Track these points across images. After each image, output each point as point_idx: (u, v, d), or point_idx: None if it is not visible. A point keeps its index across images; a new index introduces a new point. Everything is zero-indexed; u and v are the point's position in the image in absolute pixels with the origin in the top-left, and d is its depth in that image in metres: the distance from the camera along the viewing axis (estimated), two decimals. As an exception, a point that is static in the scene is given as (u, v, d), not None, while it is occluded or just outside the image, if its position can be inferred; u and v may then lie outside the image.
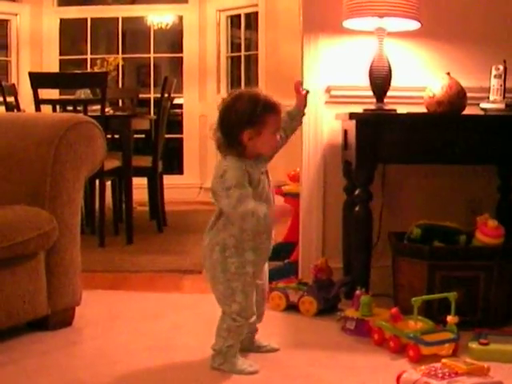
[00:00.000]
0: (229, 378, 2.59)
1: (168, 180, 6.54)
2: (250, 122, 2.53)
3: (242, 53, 8.11)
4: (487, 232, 3.27)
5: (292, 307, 3.45)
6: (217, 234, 2.60)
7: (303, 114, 2.86)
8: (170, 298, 3.78)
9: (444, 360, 2.46)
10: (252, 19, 7.96)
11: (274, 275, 3.57)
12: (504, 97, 3.54)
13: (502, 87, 3.55)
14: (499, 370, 2.55)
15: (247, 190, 2.52)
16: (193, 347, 2.92)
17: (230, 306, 2.61)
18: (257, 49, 7.75)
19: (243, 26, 8.08)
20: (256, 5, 7.70)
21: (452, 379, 2.32)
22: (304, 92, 2.84)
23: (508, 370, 2.62)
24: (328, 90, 3.84)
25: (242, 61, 8.09)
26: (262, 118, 2.55)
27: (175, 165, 8.38)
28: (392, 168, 3.80)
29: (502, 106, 3.51)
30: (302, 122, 2.93)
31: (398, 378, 2.43)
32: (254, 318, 2.70)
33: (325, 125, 3.86)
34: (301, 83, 2.88)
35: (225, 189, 2.51)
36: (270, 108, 2.58)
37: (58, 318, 3.14)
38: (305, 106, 2.84)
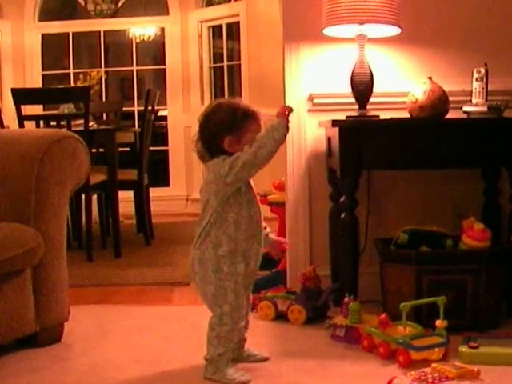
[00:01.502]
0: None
1: (154, 192, 6.53)
2: (231, 128, 2.59)
3: (225, 63, 8.12)
4: (473, 235, 3.28)
5: (281, 316, 3.44)
6: (211, 233, 2.61)
7: (287, 130, 2.84)
8: (159, 310, 3.77)
9: (434, 365, 2.46)
10: (234, 29, 7.97)
11: (262, 284, 3.58)
12: (486, 99, 3.55)
13: (484, 90, 3.56)
14: (489, 373, 2.55)
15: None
16: (183, 359, 2.91)
17: (221, 307, 2.62)
18: (239, 59, 7.77)
19: (225, 37, 8.09)
20: (237, 15, 7.72)
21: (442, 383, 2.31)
22: (287, 110, 2.79)
23: (498, 373, 2.63)
24: (311, 98, 3.84)
25: (224, 71, 8.10)
26: (242, 125, 2.60)
27: (161, 177, 8.37)
28: (377, 174, 3.82)
29: (484, 108, 3.52)
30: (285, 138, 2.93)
31: (389, 383, 2.42)
32: (242, 323, 2.73)
33: (308, 133, 3.86)
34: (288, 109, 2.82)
35: (234, 158, 2.56)
36: (249, 114, 2.63)
37: (47, 335, 3.12)
38: (287, 122, 2.80)
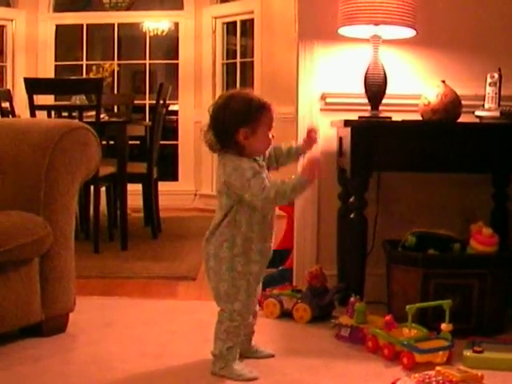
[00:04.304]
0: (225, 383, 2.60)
1: (163, 186, 6.54)
2: (245, 120, 2.58)
3: (238, 59, 8.11)
4: (482, 240, 3.28)
5: (286, 314, 3.44)
6: (225, 231, 2.62)
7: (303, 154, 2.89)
8: (164, 304, 3.77)
9: (438, 368, 2.46)
10: (248, 26, 7.97)
11: (268, 282, 3.57)
12: (499, 105, 3.54)
13: (497, 95, 3.55)
14: (493, 378, 2.56)
15: (263, 176, 2.57)
16: (188, 353, 2.91)
17: (233, 304, 2.63)
18: (252, 56, 7.76)
19: (239, 33, 8.09)
20: (252, 12, 7.71)
21: (446, 387, 2.32)
22: (315, 137, 2.86)
23: (501, 378, 2.63)
24: (323, 98, 3.84)
25: (237, 67, 8.10)
26: (257, 116, 2.59)
27: (170, 171, 8.37)
28: (387, 176, 3.81)
29: (496, 113, 3.51)
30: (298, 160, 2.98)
31: (392, 385, 2.42)
32: (250, 319, 2.74)
33: (320, 132, 3.84)
34: (315, 131, 2.86)
35: (245, 180, 2.54)
36: (264, 106, 2.62)
37: (52, 324, 3.13)
38: (314, 143, 2.88)
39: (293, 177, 2.61)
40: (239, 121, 2.58)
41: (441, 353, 2.79)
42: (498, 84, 3.56)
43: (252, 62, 7.76)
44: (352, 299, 3.19)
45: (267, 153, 2.73)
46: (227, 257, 2.62)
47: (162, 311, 3.60)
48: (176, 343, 3.07)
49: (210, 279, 2.69)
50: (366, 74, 3.56)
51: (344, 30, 3.60)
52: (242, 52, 8.13)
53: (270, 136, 2.65)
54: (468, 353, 2.81)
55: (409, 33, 3.57)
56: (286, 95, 6.34)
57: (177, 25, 8.50)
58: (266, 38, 7.49)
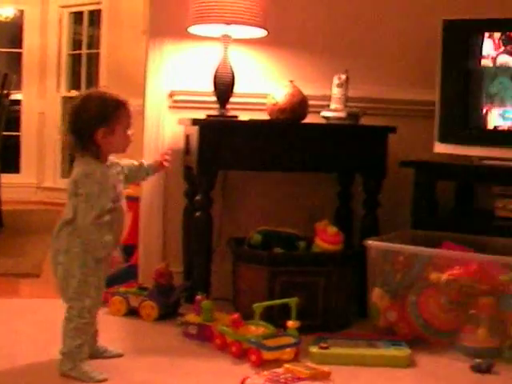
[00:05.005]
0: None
1: (4, 179, 6.35)
2: (103, 120, 2.57)
3: (84, 50, 7.98)
4: (326, 238, 3.36)
5: (133, 312, 3.42)
6: (74, 228, 2.57)
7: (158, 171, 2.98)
8: (6, 303, 3.65)
9: (286, 365, 2.51)
10: (95, 17, 7.84)
11: (114, 279, 3.54)
12: (345, 106, 3.64)
13: (344, 96, 3.65)
14: (339, 373, 2.62)
15: (104, 206, 2.56)
16: (34, 354, 2.83)
17: (83, 301, 2.59)
18: (99, 47, 7.64)
19: (86, 24, 7.95)
20: (100, 2, 7.60)
21: (295, 384, 2.36)
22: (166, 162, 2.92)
23: (348, 373, 2.71)
24: (171, 95, 3.83)
25: (83, 58, 7.96)
26: (114, 115, 2.59)
27: (12, 163, 8.12)
28: (233, 174, 3.84)
29: (343, 114, 3.61)
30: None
31: (242, 383, 2.44)
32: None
33: (167, 129, 3.85)
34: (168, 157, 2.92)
35: (86, 194, 2.53)
36: (121, 105, 2.62)
37: None
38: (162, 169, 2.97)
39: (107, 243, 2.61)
40: (97, 121, 2.56)
41: (288, 350, 2.83)
42: (344, 85, 3.65)
43: (99, 53, 7.64)
44: (198, 297, 3.20)
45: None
46: (79, 253, 2.57)
47: (5, 311, 3.48)
48: (21, 344, 2.98)
49: (57, 276, 2.63)
50: (215, 72, 3.57)
51: (195, 29, 3.59)
52: (89, 43, 8.00)
53: (130, 133, 2.65)
54: (314, 349, 2.87)
55: (259, 33, 3.60)
56: (133, 88, 6.28)
57: (22, 12, 8.26)
58: (114, 29, 7.40)
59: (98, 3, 7.65)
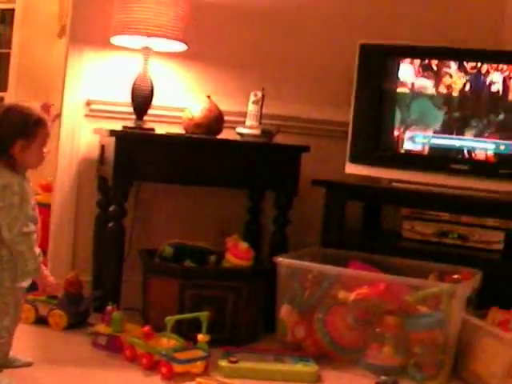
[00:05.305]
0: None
1: None
2: (23, 133, 2.56)
3: (-7, 49, 7.81)
4: (237, 254, 3.40)
5: (41, 320, 3.39)
6: (4, 241, 2.55)
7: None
8: None
9: (198, 379, 2.54)
10: (7, 16, 7.67)
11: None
12: (260, 123, 3.70)
13: (259, 113, 3.71)
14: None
15: (27, 215, 2.55)
16: None
17: (2, 321, 2.58)
18: (10, 47, 7.49)
19: (-3, 22, 7.80)
20: (13, 1, 7.45)
21: (204, 398, 2.39)
22: (49, 105, 2.87)
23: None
24: (88, 104, 3.82)
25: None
26: (33, 131, 2.59)
27: None
28: (146, 186, 3.85)
29: (257, 131, 3.66)
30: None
31: (153, 397, 2.47)
32: None
33: (82, 138, 3.83)
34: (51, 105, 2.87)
35: (8, 204, 2.51)
36: (41, 121, 2.62)
37: None
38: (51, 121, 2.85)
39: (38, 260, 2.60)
40: (16, 133, 2.56)
41: (199, 363, 2.87)
42: (260, 102, 3.71)
43: (9, 53, 7.49)
44: (109, 308, 3.20)
45: None
46: None
47: None
48: None
49: None
50: (134, 84, 3.58)
51: (116, 39, 3.60)
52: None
53: (45, 151, 2.65)
54: (223, 363, 2.92)
55: (179, 47, 3.63)
56: (44, 91, 6.24)
57: None
58: (26, 30, 7.26)
59: (10, 2, 7.49)
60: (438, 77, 3.68)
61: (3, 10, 7.68)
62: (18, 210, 2.53)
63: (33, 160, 2.62)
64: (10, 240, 2.52)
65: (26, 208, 2.55)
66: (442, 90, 3.67)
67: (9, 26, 7.57)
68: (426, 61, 3.70)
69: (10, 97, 7.23)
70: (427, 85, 3.70)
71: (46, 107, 2.79)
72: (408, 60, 3.72)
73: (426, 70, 3.70)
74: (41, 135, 2.61)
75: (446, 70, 3.67)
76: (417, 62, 3.72)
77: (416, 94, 3.73)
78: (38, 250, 2.58)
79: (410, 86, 3.73)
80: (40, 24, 7.03)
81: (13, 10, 7.45)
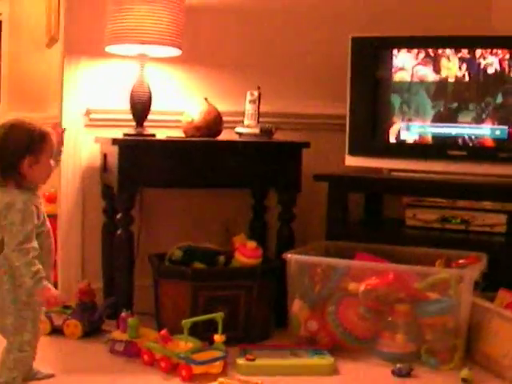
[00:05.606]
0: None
1: None
2: (30, 150, 2.58)
3: (-17, 63, 7.82)
4: (246, 253, 3.44)
5: (56, 331, 3.44)
6: (3, 264, 2.58)
7: (60, 153, 2.96)
8: None
9: (220, 379, 2.58)
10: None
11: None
12: (258, 121, 3.74)
13: (257, 112, 3.75)
14: None
15: (28, 233, 2.54)
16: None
17: (22, 336, 2.61)
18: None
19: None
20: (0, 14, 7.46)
21: (231, 397, 2.43)
22: (61, 130, 2.95)
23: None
24: (88, 113, 3.85)
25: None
26: (39, 147, 2.61)
27: None
28: (149, 191, 3.89)
29: (256, 130, 3.71)
30: (60, 160, 3.00)
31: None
32: None
33: (84, 147, 3.86)
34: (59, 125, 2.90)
35: (9, 222, 2.53)
36: (45, 135, 2.65)
37: None
38: (62, 144, 2.95)
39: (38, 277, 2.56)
40: (23, 151, 2.58)
41: (217, 363, 2.92)
42: (257, 102, 3.76)
43: (-1, 65, 7.50)
44: (123, 314, 3.24)
45: None
46: (10, 289, 2.59)
47: None
48: None
49: None
50: (132, 91, 3.62)
51: (111, 48, 3.63)
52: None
53: (52, 164, 2.69)
54: (241, 361, 2.97)
55: (174, 52, 3.67)
56: (35, 102, 6.24)
57: None
58: (15, 41, 7.26)
59: (-3, 14, 7.50)
60: (431, 65, 3.72)
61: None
62: (18, 228, 2.53)
63: (42, 174, 2.66)
64: (8, 256, 2.55)
65: (27, 226, 2.55)
66: (437, 77, 3.71)
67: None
68: (418, 50, 3.74)
69: (3, 109, 7.25)
70: (421, 73, 3.74)
71: (57, 130, 2.82)
72: (401, 50, 3.77)
73: (419, 59, 3.74)
74: (47, 149, 2.64)
75: (440, 58, 3.70)
76: (409, 51, 3.75)
77: (410, 84, 3.77)
78: (36, 267, 2.53)
79: (404, 75, 3.77)
80: (28, 34, 7.04)
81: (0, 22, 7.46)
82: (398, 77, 3.79)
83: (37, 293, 2.56)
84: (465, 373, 2.89)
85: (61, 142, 2.93)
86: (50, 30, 5.47)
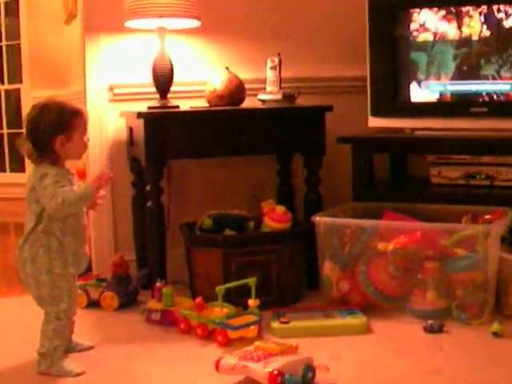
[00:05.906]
0: (56, 381, 2.63)
1: None
2: (61, 128, 2.65)
3: (4, 42, 7.88)
4: (276, 218, 3.50)
5: (93, 304, 3.51)
6: (39, 237, 2.65)
7: None
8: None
9: (257, 343, 2.62)
10: (13, 7, 7.71)
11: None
12: (280, 87, 3.77)
13: (278, 78, 3.78)
14: (303, 345, 2.71)
15: (61, 185, 2.61)
16: (8, 355, 2.89)
17: (58, 305, 2.69)
18: (19, 38, 7.54)
19: (3, 14, 7.84)
20: (16, -8, 7.51)
21: (267, 360, 2.48)
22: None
23: (310, 345, 2.82)
24: (111, 89, 3.90)
25: (3, 50, 7.86)
26: (71, 123, 2.67)
27: None
28: (176, 161, 3.94)
29: (279, 96, 3.74)
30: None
31: (217, 364, 2.55)
32: (74, 317, 2.82)
33: (109, 122, 3.92)
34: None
35: (43, 187, 2.60)
36: (76, 112, 2.71)
37: None
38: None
39: (81, 186, 2.71)
40: (55, 130, 2.64)
41: (252, 327, 2.98)
42: (278, 68, 3.78)
43: (19, 44, 7.55)
44: (158, 284, 3.31)
45: None
46: (45, 261, 2.66)
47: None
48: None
49: (29, 286, 2.71)
50: (154, 64, 3.66)
51: (130, 23, 3.67)
52: (8, 34, 7.88)
53: (86, 139, 2.74)
54: (276, 324, 3.04)
55: (193, 23, 3.70)
56: (57, 78, 6.30)
57: None
58: (33, 20, 7.30)
59: (13, -6, 7.54)
60: (451, 22, 3.70)
61: (7, 3, 7.73)
62: (54, 188, 2.59)
63: (76, 151, 2.74)
64: (50, 210, 2.61)
65: (58, 185, 2.61)
66: (458, 34, 3.69)
67: (15, 18, 7.62)
68: (438, 8, 3.73)
69: (26, 88, 7.33)
70: (442, 31, 3.73)
71: (104, 178, 2.79)
72: (420, 8, 3.76)
73: (439, 16, 3.73)
74: (79, 125, 2.70)
75: (460, 14, 3.67)
76: (429, 9, 3.75)
77: (430, 42, 3.76)
78: (73, 191, 2.63)
79: (424, 34, 3.77)
80: (45, 12, 7.08)
81: (17, 1, 7.51)
82: (418, 36, 3.79)
83: (94, 197, 2.74)
84: (495, 327, 2.94)
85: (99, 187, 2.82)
86: (68, 6, 5.51)
